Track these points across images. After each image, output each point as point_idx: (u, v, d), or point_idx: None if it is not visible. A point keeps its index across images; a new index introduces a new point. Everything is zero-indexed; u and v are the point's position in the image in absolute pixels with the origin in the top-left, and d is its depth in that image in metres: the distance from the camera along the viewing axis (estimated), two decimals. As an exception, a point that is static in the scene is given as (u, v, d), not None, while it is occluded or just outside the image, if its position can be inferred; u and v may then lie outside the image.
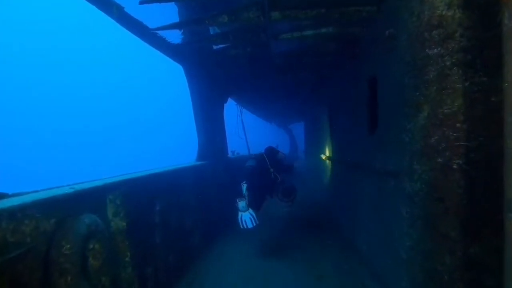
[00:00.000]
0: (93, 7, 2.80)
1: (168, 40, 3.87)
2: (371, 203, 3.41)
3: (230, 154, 7.79)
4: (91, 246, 1.96)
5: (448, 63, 2.30)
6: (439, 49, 2.32)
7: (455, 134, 2.32)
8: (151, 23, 3.80)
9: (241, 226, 4.05)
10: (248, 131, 8.96)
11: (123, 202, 2.56)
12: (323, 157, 7.27)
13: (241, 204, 4.14)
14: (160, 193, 3.37)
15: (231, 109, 8.75)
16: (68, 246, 1.71)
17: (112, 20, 2.98)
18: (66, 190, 1.89)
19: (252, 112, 10.62)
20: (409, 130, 2.48)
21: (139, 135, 50.40)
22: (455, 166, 2.32)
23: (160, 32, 3.73)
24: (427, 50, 2.36)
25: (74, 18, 43.45)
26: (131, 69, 50.40)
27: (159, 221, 3.30)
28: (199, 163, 5.07)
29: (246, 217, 4.10)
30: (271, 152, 5.47)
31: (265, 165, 5.05)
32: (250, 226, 4.03)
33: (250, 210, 4.16)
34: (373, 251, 3.33)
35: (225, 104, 6.74)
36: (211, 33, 3.97)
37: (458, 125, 2.30)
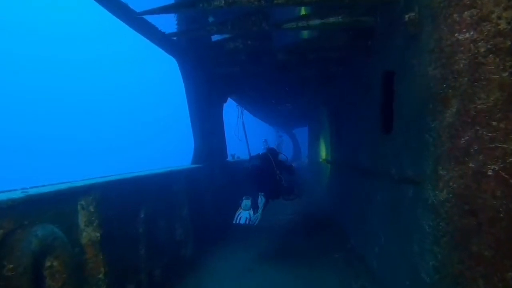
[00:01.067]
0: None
1: (161, 30, 3.57)
2: (384, 214, 3.05)
3: (229, 158, 7.47)
4: (48, 264, 1.62)
5: (482, 49, 1.97)
6: (471, 33, 1.99)
7: (490, 134, 1.98)
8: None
9: (234, 221, 4.26)
10: (249, 134, 8.64)
11: (98, 208, 2.23)
12: (327, 161, 6.93)
13: (245, 202, 4.34)
14: (146, 199, 3.03)
15: (232, 110, 8.45)
16: (11, 266, 1.38)
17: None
18: (16, 195, 1.56)
19: (254, 114, 10.29)
20: (433, 129, 2.14)
21: (143, 139, 50.30)
22: (490, 173, 1.98)
23: (153, 21, 3.44)
24: (456, 34, 2.03)
25: (75, 20, 43.86)
26: (133, 71, 50.52)
27: (144, 231, 2.96)
28: (193, 166, 4.74)
29: (244, 215, 4.29)
30: (273, 152, 5.55)
31: (270, 165, 5.09)
32: (242, 222, 4.23)
33: (251, 212, 4.31)
34: (387, 269, 2.97)
35: (225, 105, 6.46)
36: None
37: (494, 123, 1.96)
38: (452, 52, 2.05)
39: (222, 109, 5.87)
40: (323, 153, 8.26)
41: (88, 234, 2.16)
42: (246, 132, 8.47)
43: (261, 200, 4.60)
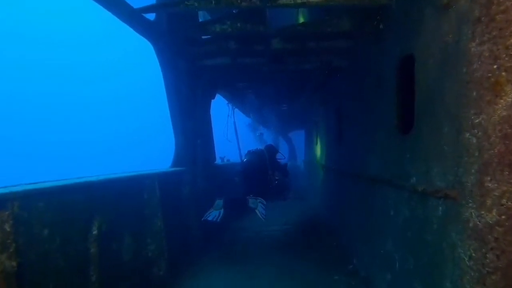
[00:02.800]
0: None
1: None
2: (400, 233, 2.51)
3: (218, 161, 6.90)
4: None
5: (551, 15, 1.46)
6: (536, -7, 1.47)
7: (561, 133, 1.47)
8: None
9: (206, 217, 4.47)
10: (241, 135, 8.09)
11: (17, 228, 1.65)
12: (325, 166, 6.39)
13: (218, 202, 4.57)
14: (102, 211, 2.46)
15: (222, 109, 7.90)
16: None
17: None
18: None
19: (247, 115, 9.74)
20: (478, 126, 1.61)
21: (144, 140, 49.53)
22: (561, 187, 1.47)
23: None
24: (514, -5, 1.51)
25: (73, 24, 43.49)
26: (133, 72, 49.84)
27: (97, 251, 2.37)
28: (170, 169, 4.16)
29: (214, 213, 4.51)
30: (271, 150, 5.77)
31: (264, 162, 5.25)
32: (209, 218, 4.47)
33: (222, 211, 4.54)
34: (403, 303, 2.42)
35: (215, 103, 5.91)
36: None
37: None
38: (507, 20, 1.53)
39: (209, 106, 5.31)
40: (321, 158, 7.75)
41: (1, 263, 1.58)
42: (237, 133, 7.93)
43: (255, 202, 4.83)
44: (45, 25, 43.15)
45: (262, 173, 5.13)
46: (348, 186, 4.40)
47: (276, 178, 5.73)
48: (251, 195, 4.88)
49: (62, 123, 44.17)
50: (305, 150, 11.80)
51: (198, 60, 4.59)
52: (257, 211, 4.87)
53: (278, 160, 5.98)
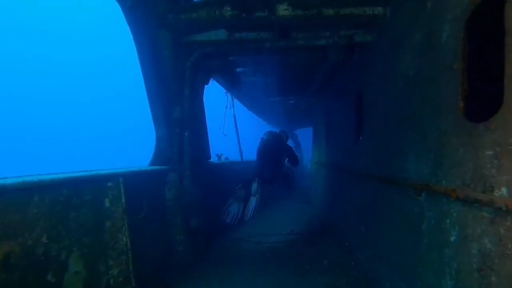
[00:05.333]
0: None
1: None
2: (466, 266, 1.71)
3: (214, 159, 6.11)
4: None
5: None
6: None
7: None
8: None
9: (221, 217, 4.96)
10: (241, 130, 7.30)
11: None
12: (337, 166, 5.57)
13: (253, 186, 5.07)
14: (19, 230, 1.68)
15: (220, 99, 7.09)
16: None
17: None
18: None
19: (249, 108, 8.91)
20: None
21: (145, 139, 49.22)
22: None
23: None
24: None
25: (73, 21, 43.46)
26: (133, 71, 49.46)
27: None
28: (145, 169, 3.38)
29: (233, 209, 4.93)
30: (286, 135, 6.17)
31: (281, 146, 5.64)
32: (228, 221, 4.91)
33: (241, 205, 5.00)
34: None
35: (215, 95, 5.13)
36: None
37: None
38: None
39: (202, 93, 4.53)
40: (336, 158, 6.95)
41: None
42: (237, 127, 7.14)
43: (254, 188, 5.09)
44: (41, 21, 43.13)
45: (277, 154, 5.49)
46: (371, 192, 3.58)
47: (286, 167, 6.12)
48: (259, 180, 5.23)
49: (61, 120, 44.25)
50: (313, 148, 10.97)
51: (185, 35, 3.80)
52: (251, 201, 5.16)
53: (291, 147, 6.32)
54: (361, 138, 3.97)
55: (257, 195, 5.19)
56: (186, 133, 3.85)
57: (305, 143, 16.25)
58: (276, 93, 7.34)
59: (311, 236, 5.46)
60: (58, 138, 42.74)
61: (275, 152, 5.52)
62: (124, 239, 2.64)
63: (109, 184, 2.61)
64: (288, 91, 7.29)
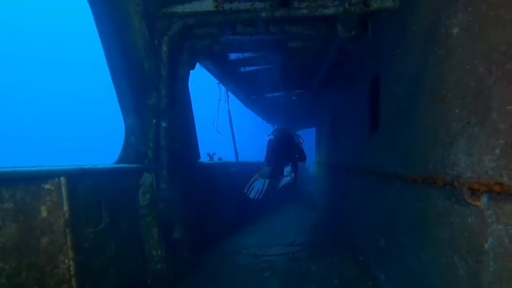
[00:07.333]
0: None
1: None
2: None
3: (205, 159, 5.44)
4: None
5: None
6: None
7: None
8: None
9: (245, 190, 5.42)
10: (237, 127, 6.63)
11: None
12: (342, 168, 4.89)
13: (264, 169, 5.54)
14: None
15: (213, 89, 6.41)
16: None
17: None
18: None
19: (246, 104, 8.20)
20: None
21: None
22: None
23: None
24: None
25: (71, 21, 43.20)
26: None
27: None
28: (105, 166, 2.69)
29: (258, 184, 5.38)
30: (291, 132, 6.28)
31: (291, 141, 5.88)
32: (251, 196, 5.39)
33: (267, 181, 5.45)
34: None
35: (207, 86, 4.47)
36: None
37: None
38: None
39: (187, 78, 3.86)
40: (333, 155, 6.28)
41: None
42: (232, 124, 6.48)
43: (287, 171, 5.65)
44: (39, 22, 42.94)
45: (289, 149, 5.74)
46: (393, 196, 2.91)
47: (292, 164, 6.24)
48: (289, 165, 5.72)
49: (61, 120, 43.81)
50: (317, 149, 10.29)
51: (163, 5, 3.17)
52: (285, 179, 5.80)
53: (298, 143, 6.38)
54: (378, 129, 3.30)
55: (290, 176, 5.82)
56: (163, 124, 3.18)
57: (307, 145, 15.60)
58: (277, 87, 6.68)
59: (317, 247, 4.78)
60: (58, 138, 42.45)
61: (287, 148, 5.83)
62: (67, 261, 1.98)
63: (47, 186, 1.96)
64: (290, 84, 6.63)
